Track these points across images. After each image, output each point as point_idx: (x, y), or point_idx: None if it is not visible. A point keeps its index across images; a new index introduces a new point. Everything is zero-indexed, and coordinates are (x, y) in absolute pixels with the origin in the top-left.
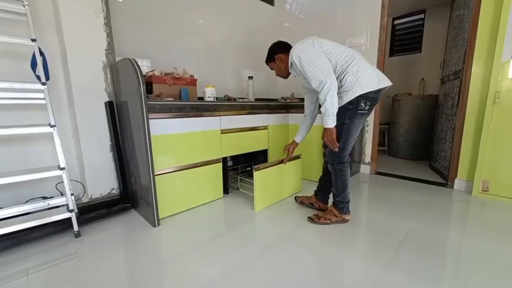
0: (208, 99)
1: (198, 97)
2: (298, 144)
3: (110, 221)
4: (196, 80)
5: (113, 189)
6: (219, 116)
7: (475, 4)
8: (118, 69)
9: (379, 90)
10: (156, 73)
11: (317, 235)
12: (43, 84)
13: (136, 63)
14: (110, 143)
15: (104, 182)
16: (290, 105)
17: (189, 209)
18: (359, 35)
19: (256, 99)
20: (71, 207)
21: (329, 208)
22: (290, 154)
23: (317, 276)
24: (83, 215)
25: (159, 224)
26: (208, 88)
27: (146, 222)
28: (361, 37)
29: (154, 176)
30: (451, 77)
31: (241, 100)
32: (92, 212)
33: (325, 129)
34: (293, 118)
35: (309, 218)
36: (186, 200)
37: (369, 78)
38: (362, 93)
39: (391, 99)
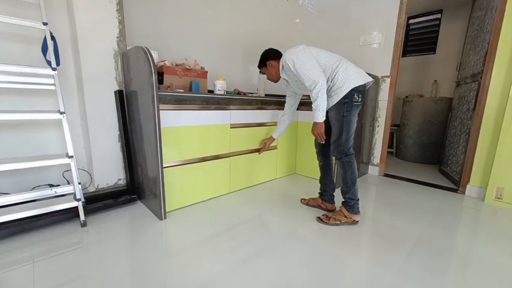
0: (218, 92)
1: (208, 90)
2: (274, 139)
3: (116, 211)
4: (207, 72)
5: (120, 179)
6: (229, 110)
7: (500, 5)
8: (129, 58)
9: (365, 85)
10: (167, 63)
11: (324, 235)
12: (53, 69)
13: (149, 52)
14: (118, 132)
15: (110, 172)
16: (300, 102)
17: (196, 203)
18: (374, 33)
19: (266, 95)
20: (78, 196)
21: (339, 208)
22: (267, 147)
23: (326, 280)
24: (89, 205)
25: (165, 217)
26: (219, 81)
27: (152, 214)
28: (376, 35)
29: (162, 168)
30: (468, 80)
31: (251, 95)
32: (98, 201)
33: (314, 123)
34: (302, 115)
35: (318, 218)
36: (194, 194)
37: (357, 74)
38: (354, 86)
39: (401, 101)
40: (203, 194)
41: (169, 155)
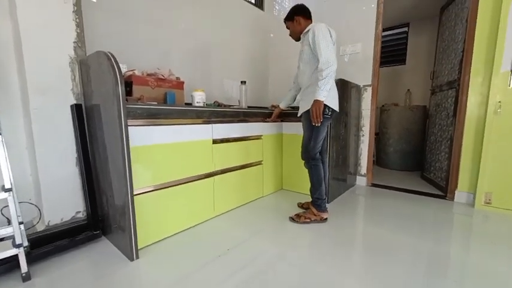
0: (197, 104)
1: (185, 103)
2: (282, 109)
3: (73, 254)
4: (183, 82)
5: (78, 212)
6: (210, 123)
7: (471, 15)
8: (89, 66)
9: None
10: (137, 73)
11: (313, 254)
12: None
13: (114, 57)
14: (76, 155)
15: (66, 204)
16: (284, 114)
17: (176, 234)
18: (353, 43)
19: (249, 107)
20: (18, 241)
21: (309, 208)
22: (274, 117)
23: None
24: (36, 249)
25: (137, 257)
26: (198, 92)
27: (121, 253)
28: (357, 45)
29: (132, 195)
30: (444, 87)
31: (233, 107)
32: (49, 243)
33: (315, 101)
34: (288, 127)
35: (290, 217)
36: (172, 223)
37: (335, 97)
38: (327, 104)
39: (379, 110)
40: (184, 222)
41: (141, 179)
